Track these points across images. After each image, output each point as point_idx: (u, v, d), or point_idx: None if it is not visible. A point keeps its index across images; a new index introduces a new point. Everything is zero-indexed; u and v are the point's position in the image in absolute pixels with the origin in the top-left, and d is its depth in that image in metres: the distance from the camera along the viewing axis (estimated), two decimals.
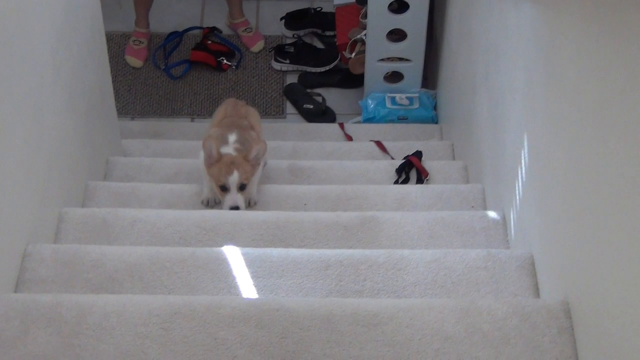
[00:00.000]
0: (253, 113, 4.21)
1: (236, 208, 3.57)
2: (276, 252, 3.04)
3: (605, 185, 2.20)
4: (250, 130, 3.94)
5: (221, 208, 3.65)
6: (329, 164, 4.37)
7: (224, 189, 3.59)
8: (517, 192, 3.13)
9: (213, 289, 2.90)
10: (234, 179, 3.55)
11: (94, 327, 2.55)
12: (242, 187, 3.60)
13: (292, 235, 3.35)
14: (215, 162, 3.58)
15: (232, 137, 3.74)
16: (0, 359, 2.48)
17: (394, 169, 4.29)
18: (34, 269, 2.94)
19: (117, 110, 4.59)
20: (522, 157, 3.03)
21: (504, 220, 3.35)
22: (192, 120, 5.69)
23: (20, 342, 2.52)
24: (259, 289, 2.92)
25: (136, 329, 2.54)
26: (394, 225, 3.36)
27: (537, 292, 2.89)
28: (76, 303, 2.61)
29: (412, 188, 3.94)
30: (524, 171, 3.03)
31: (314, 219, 3.41)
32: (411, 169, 4.27)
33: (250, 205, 3.76)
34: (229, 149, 3.67)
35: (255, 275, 2.95)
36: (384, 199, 3.80)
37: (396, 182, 4.21)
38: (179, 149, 4.78)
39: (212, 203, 3.77)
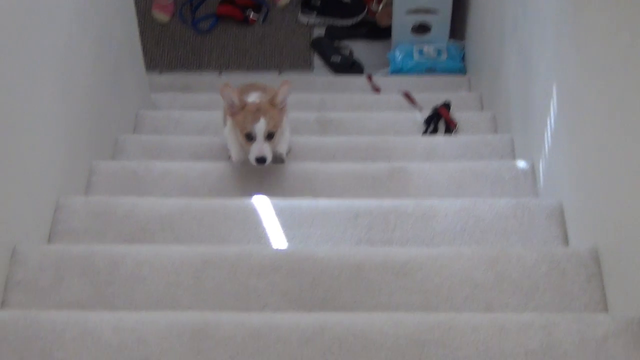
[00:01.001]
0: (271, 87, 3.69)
1: (263, 160, 3.22)
2: (305, 202, 3.06)
3: (636, 133, 2.20)
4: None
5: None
6: (357, 116, 4.37)
7: (250, 137, 3.24)
8: (546, 141, 3.13)
9: (243, 239, 2.92)
10: (260, 126, 3.20)
11: (127, 276, 2.59)
12: (269, 136, 3.24)
13: (321, 186, 3.36)
14: (239, 109, 3.27)
15: (254, 95, 3.41)
16: (36, 307, 2.52)
17: (423, 120, 4.28)
18: (66, 220, 2.98)
19: (145, 64, 4.60)
20: (551, 107, 3.02)
21: (533, 169, 3.34)
22: (220, 74, 5.69)
23: (54, 291, 2.57)
24: (289, 239, 2.94)
25: (168, 278, 2.58)
26: (422, 176, 3.37)
27: (566, 240, 2.89)
28: (109, 253, 2.65)
29: (440, 139, 3.94)
30: (553, 120, 3.02)
31: (343, 170, 3.42)
32: (439, 120, 4.26)
33: (281, 160, 3.46)
34: (252, 99, 3.37)
35: (285, 225, 2.97)
36: (413, 149, 3.80)
37: (424, 133, 4.21)
38: (207, 102, 4.79)
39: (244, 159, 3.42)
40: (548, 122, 3.08)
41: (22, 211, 2.71)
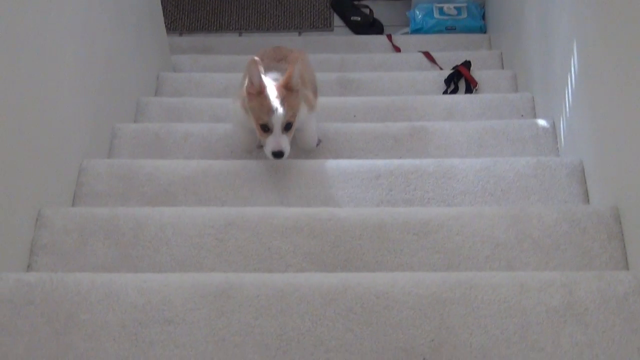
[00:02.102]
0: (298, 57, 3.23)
1: (280, 154, 2.91)
2: (327, 163, 3.07)
3: None
4: None
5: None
6: (377, 76, 4.37)
7: (266, 128, 2.93)
8: (567, 99, 3.12)
9: (265, 200, 2.94)
10: (278, 117, 2.88)
11: (151, 238, 2.61)
12: (287, 127, 2.94)
13: (342, 147, 3.37)
14: (257, 93, 2.91)
15: (273, 75, 3.04)
16: (61, 269, 2.55)
17: (443, 79, 4.28)
18: (90, 183, 3.00)
19: (166, 26, 4.61)
20: (572, 65, 3.02)
21: (554, 128, 3.34)
22: (240, 34, 5.69)
23: (79, 254, 2.60)
24: (311, 200, 2.95)
25: (191, 240, 2.60)
26: (443, 135, 3.37)
27: (586, 198, 2.90)
28: (133, 216, 2.67)
29: (461, 98, 3.93)
30: (573, 78, 3.01)
31: (364, 130, 3.43)
32: (460, 79, 4.26)
33: (312, 150, 3.26)
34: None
35: (307, 186, 2.98)
36: (433, 109, 3.80)
37: (445, 92, 4.21)
38: (228, 63, 4.80)
39: (251, 148, 3.28)
40: (569, 80, 3.07)
41: (46, 175, 2.74)
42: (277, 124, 2.89)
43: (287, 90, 2.91)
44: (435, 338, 2.15)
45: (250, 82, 2.90)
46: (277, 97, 2.88)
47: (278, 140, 2.90)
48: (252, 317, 2.19)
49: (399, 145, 3.35)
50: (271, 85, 2.92)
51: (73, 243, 2.62)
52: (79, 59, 3.04)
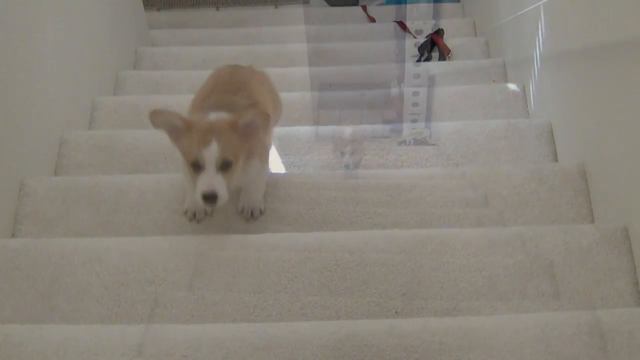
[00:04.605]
0: (260, 80, 2.79)
1: (213, 197, 2.23)
2: (302, 129, 3.13)
3: (621, 52, 2.27)
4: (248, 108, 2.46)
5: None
6: (352, 46, 4.42)
7: (197, 167, 2.26)
8: (535, 64, 3.19)
9: None
10: (211, 152, 2.22)
11: (132, 204, 2.67)
12: (225, 166, 2.27)
13: (317, 114, 3.43)
14: (184, 130, 2.28)
15: (214, 115, 2.37)
16: (45, 237, 2.61)
17: (417, 48, 4.34)
18: (71, 154, 3.05)
19: (143, 1, 4.64)
20: (540, 30, 3.08)
21: (524, 91, 3.41)
22: (217, 9, 5.72)
23: (62, 221, 2.65)
24: (288, 164, 3.01)
25: (171, 205, 2.66)
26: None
27: (555, 158, 2.97)
28: (114, 183, 2.73)
29: (434, 65, 3.99)
30: (541, 43, 3.08)
31: (339, 98, 3.49)
32: (433, 47, 4.32)
33: (254, 215, 2.63)
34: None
35: (284, 152, 3.04)
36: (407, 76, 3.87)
37: (419, 60, 4.26)
38: (205, 37, 4.85)
39: (200, 215, 2.64)
40: (537, 46, 3.14)
41: (28, 146, 2.79)
42: (209, 159, 2.24)
43: (230, 129, 2.28)
44: (407, 292, 2.22)
45: (171, 126, 2.30)
46: (211, 130, 2.26)
47: (209, 179, 2.24)
48: (231, 276, 2.26)
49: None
50: (205, 119, 2.34)
51: (56, 211, 2.67)
52: (59, 34, 3.08)
